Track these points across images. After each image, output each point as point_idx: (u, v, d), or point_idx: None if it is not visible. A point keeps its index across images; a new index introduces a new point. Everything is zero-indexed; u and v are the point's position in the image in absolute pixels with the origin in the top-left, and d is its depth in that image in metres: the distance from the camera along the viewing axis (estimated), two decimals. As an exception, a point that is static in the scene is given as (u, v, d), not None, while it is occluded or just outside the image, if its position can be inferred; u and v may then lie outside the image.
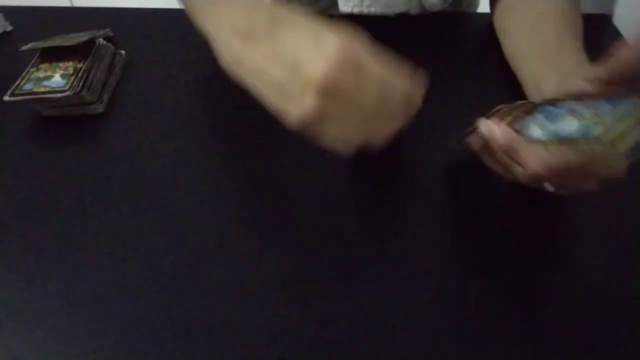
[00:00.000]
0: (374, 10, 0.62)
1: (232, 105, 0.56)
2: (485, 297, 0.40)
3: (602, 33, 0.68)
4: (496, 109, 0.41)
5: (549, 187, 0.39)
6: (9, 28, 0.67)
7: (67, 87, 0.52)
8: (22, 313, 0.39)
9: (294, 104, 0.33)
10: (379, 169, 0.47)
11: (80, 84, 0.52)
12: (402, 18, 0.67)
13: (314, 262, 0.42)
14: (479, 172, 0.49)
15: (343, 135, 0.35)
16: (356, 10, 0.63)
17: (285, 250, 0.43)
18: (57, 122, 0.55)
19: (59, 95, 0.51)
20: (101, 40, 0.57)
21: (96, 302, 0.40)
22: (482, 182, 0.48)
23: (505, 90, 0.57)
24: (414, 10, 0.64)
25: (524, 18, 0.55)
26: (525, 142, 0.37)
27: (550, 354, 0.37)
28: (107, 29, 0.60)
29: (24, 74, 0.54)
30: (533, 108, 0.39)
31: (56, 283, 0.41)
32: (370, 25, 0.66)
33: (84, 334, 0.38)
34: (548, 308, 0.39)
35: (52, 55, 0.55)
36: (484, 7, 0.69)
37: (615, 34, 0.67)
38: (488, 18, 0.63)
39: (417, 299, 0.40)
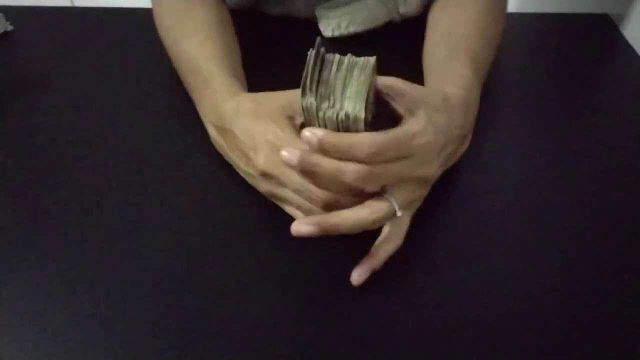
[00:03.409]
0: (353, 29, 0.63)
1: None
2: (485, 297, 0.40)
3: (602, 33, 0.68)
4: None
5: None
6: (10, 28, 0.67)
7: None
8: (20, 313, 0.39)
9: (254, 182, 0.45)
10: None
11: None
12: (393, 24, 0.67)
13: (314, 262, 0.42)
14: (480, 172, 0.49)
15: (297, 212, 0.42)
16: (336, 33, 0.63)
17: (286, 250, 0.43)
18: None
19: None
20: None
21: (95, 302, 0.40)
22: (483, 181, 0.48)
23: (501, 91, 0.57)
24: (395, 19, 0.64)
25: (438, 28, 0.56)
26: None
27: (552, 356, 0.37)
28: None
29: None
30: None
31: (57, 281, 0.41)
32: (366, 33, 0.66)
33: (83, 334, 0.38)
34: (551, 308, 0.39)
35: None
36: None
37: (615, 34, 0.67)
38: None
39: (419, 299, 0.40)
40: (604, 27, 0.69)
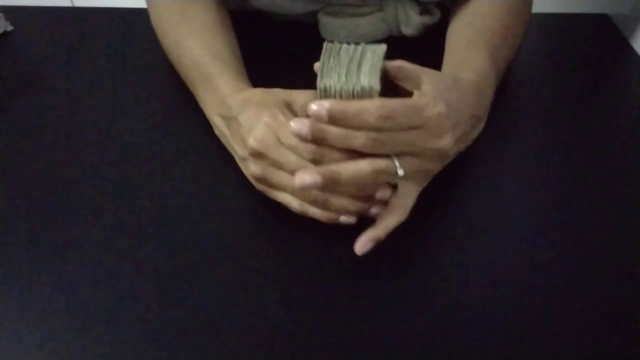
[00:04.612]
0: (351, 40, 0.62)
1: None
2: (487, 299, 0.40)
3: (602, 33, 0.68)
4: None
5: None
6: (10, 28, 0.67)
7: None
8: (19, 312, 0.39)
9: (248, 166, 0.44)
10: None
11: None
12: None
13: (314, 262, 0.42)
14: (481, 172, 0.49)
15: (291, 198, 0.42)
16: (335, 39, 0.63)
17: (286, 250, 0.43)
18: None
19: None
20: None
21: (94, 301, 0.40)
22: (484, 180, 0.49)
23: (501, 91, 0.57)
24: (395, 35, 0.65)
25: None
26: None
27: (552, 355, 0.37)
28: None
29: None
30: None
31: (57, 280, 0.41)
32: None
33: (83, 334, 0.38)
34: (551, 310, 0.39)
35: None
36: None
37: (615, 34, 0.67)
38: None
39: (419, 299, 0.40)
40: (604, 27, 0.69)
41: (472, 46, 0.52)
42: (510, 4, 0.56)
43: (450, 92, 0.41)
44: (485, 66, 0.49)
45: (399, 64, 0.41)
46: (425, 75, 0.41)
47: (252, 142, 0.41)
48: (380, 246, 0.42)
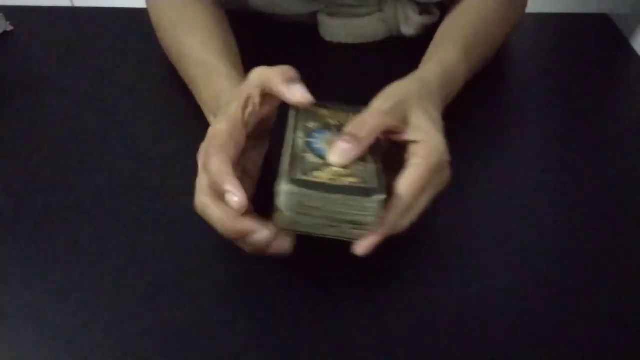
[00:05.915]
0: (351, 40, 0.64)
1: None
2: (486, 299, 0.40)
3: (602, 33, 0.68)
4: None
5: None
6: (10, 28, 0.67)
7: None
8: (18, 312, 0.39)
9: None
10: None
11: None
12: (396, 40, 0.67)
13: (315, 263, 0.42)
14: (479, 172, 0.49)
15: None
16: (335, 40, 0.64)
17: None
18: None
19: None
20: None
21: (94, 302, 0.40)
22: (482, 180, 0.49)
23: (501, 91, 0.57)
24: (395, 35, 0.65)
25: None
26: None
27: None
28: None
29: None
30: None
31: (58, 280, 0.41)
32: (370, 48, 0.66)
33: (83, 334, 0.38)
34: (552, 309, 0.40)
35: None
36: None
37: (615, 34, 0.67)
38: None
39: (419, 301, 0.40)
40: (604, 27, 0.69)
41: (446, 38, 0.52)
42: (503, 2, 0.56)
43: (434, 108, 0.42)
44: (454, 59, 0.49)
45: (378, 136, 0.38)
46: (413, 125, 0.39)
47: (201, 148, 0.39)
48: (379, 248, 0.42)
